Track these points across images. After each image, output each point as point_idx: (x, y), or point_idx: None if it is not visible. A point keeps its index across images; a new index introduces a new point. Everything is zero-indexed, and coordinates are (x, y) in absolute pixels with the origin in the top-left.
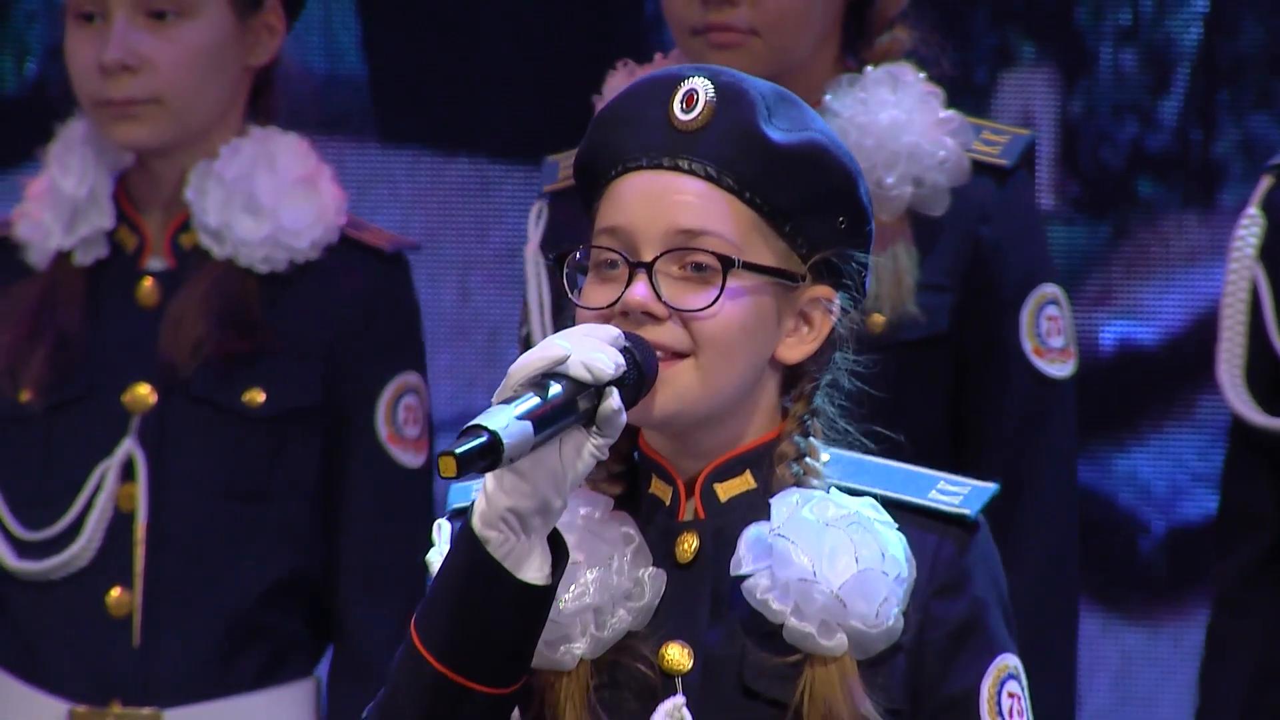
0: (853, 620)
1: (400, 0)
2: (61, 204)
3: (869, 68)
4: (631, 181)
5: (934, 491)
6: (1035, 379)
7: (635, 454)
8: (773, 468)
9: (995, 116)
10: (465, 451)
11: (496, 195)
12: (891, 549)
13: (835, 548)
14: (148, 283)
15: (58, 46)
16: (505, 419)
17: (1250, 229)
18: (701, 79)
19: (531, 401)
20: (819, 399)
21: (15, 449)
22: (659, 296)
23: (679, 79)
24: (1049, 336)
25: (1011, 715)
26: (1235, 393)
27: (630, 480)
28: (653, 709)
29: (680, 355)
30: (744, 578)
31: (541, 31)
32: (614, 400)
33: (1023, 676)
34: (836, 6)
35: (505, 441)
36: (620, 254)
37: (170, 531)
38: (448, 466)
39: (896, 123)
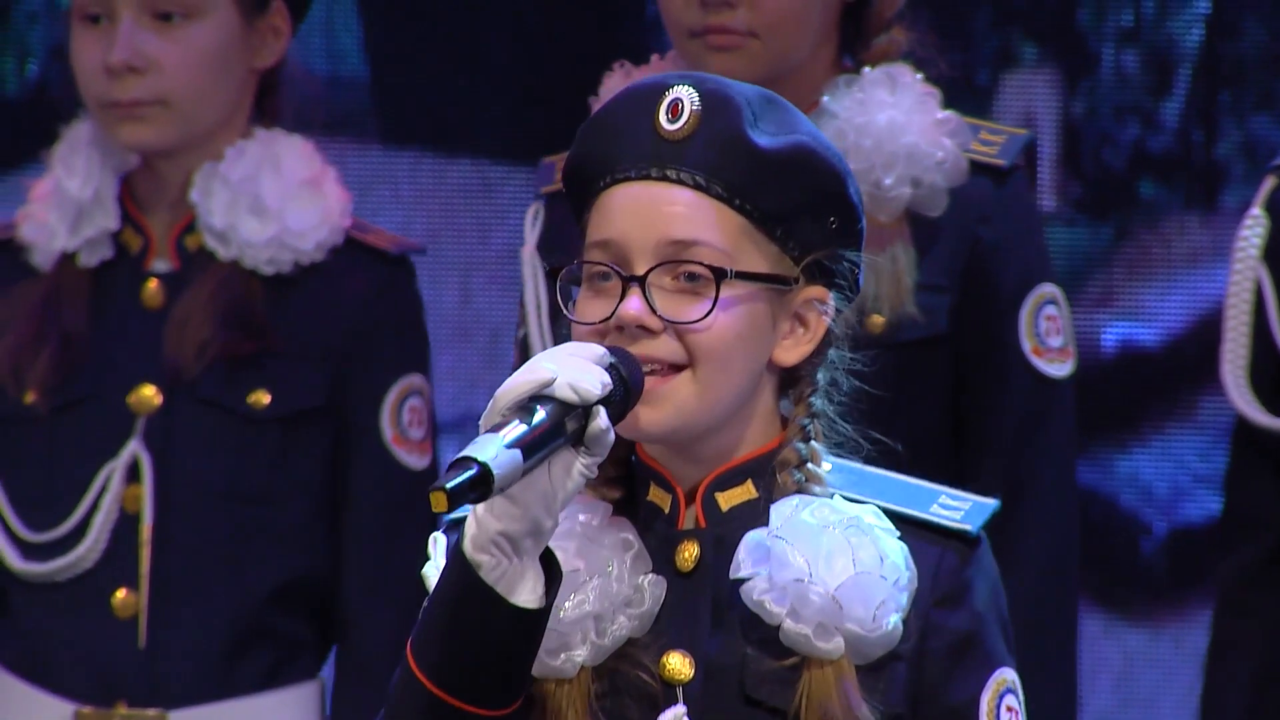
0: (849, 623)
1: (402, 2)
2: (66, 205)
3: (866, 69)
4: (621, 193)
5: (935, 506)
6: (1034, 379)
7: (632, 458)
8: (775, 476)
9: (997, 118)
10: (456, 485)
11: (498, 197)
12: (892, 555)
13: (833, 550)
14: (152, 284)
15: (59, 48)
16: (494, 449)
17: (1254, 229)
18: (686, 88)
19: (520, 429)
20: (817, 402)
21: (20, 450)
22: (653, 310)
23: (664, 88)
24: (1048, 336)
25: None
26: (1239, 393)
27: (628, 485)
28: (654, 718)
29: (676, 368)
30: (743, 581)
31: (543, 33)
32: (602, 420)
33: (1020, 692)
34: (834, 8)
35: (495, 472)
36: (613, 268)
37: (175, 533)
38: (439, 501)
39: (894, 123)
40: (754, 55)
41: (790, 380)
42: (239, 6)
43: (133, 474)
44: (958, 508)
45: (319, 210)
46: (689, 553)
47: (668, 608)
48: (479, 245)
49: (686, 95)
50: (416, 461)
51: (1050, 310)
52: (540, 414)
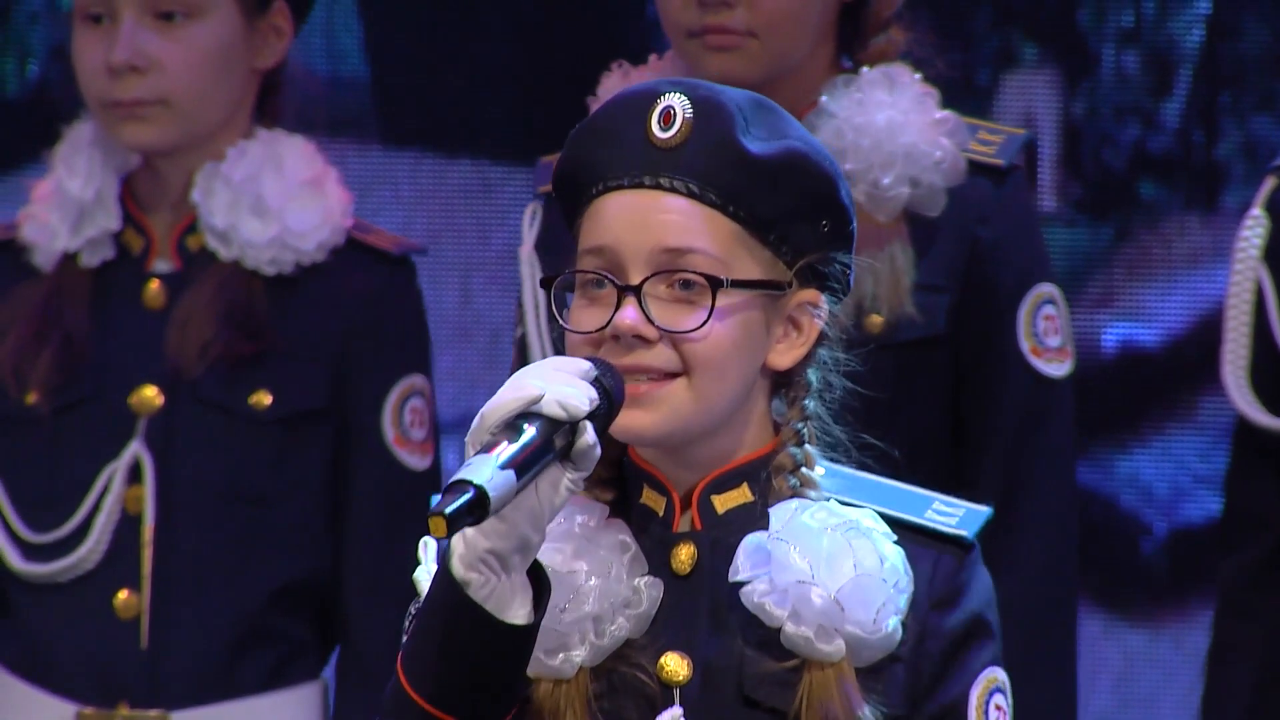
0: (850, 626)
1: (402, 2)
2: (68, 206)
3: (865, 68)
4: (614, 201)
5: (929, 511)
6: (1033, 378)
7: (624, 460)
8: (770, 480)
9: (997, 118)
10: (454, 510)
11: (498, 197)
12: (891, 558)
13: (834, 552)
14: (154, 285)
15: (60, 48)
16: (489, 471)
17: (1254, 230)
18: (678, 95)
19: (511, 449)
20: (811, 404)
21: (22, 451)
22: (649, 319)
23: (655, 95)
24: (1046, 336)
25: None
26: (1240, 394)
27: (619, 487)
28: (652, 718)
29: (671, 375)
30: (742, 585)
31: (543, 33)
32: (589, 435)
33: (1009, 694)
34: (832, 8)
35: (491, 495)
36: (607, 277)
37: (177, 534)
38: (438, 527)
39: (893, 123)
40: (752, 55)
41: (783, 383)
42: (241, 6)
43: (134, 475)
44: (951, 514)
45: (320, 210)
46: (685, 555)
47: (664, 609)
48: (479, 245)
49: (678, 103)
50: (418, 462)
51: (1049, 310)
52: (530, 432)
